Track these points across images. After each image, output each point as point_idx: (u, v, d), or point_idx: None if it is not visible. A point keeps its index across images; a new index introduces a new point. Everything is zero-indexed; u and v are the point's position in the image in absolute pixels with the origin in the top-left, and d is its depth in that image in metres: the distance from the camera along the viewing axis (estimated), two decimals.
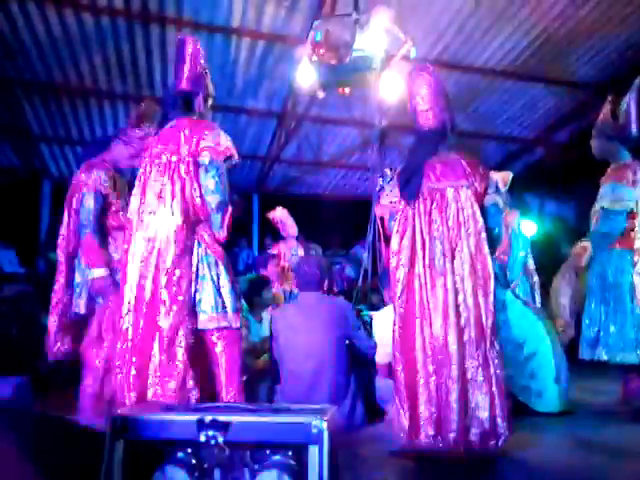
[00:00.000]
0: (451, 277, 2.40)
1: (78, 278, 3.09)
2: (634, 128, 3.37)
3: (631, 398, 3.33)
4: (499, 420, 2.30)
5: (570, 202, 8.83)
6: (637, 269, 3.18)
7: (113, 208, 3.13)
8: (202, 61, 2.68)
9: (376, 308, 4.80)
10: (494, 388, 2.32)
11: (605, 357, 3.30)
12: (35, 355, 3.72)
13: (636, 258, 3.18)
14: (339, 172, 9.26)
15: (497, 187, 4.84)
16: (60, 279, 3.14)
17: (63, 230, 3.18)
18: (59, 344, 3.09)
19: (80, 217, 3.05)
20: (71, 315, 3.07)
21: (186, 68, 2.63)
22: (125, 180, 3.31)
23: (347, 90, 4.68)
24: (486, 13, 5.51)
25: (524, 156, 8.95)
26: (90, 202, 3.03)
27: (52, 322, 3.08)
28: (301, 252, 6.00)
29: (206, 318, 2.42)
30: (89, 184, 3.06)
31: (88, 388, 2.98)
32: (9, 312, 4.71)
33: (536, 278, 5.02)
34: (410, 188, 2.54)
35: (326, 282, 3.30)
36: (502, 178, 5.08)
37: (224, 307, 2.45)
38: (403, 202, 2.58)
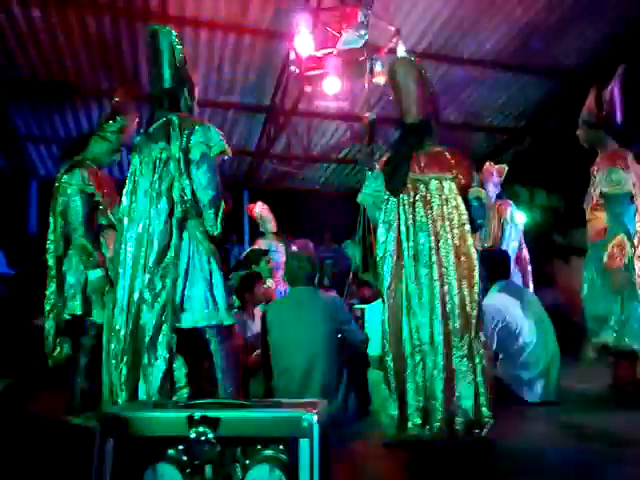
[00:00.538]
0: (437, 268, 2.42)
1: (71, 280, 3.06)
2: (619, 116, 3.38)
3: (621, 385, 3.36)
4: (483, 409, 2.33)
5: (559, 191, 8.87)
6: (638, 252, 3.18)
7: (101, 207, 3.11)
8: (180, 52, 2.62)
9: (367, 301, 4.83)
10: (478, 378, 2.35)
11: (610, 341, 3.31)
12: (28, 357, 3.70)
13: (636, 242, 3.17)
14: (329, 166, 9.25)
15: (487, 182, 4.89)
16: (52, 284, 3.11)
17: (51, 234, 3.15)
18: (59, 349, 3.08)
19: (69, 220, 3.02)
20: (66, 318, 3.05)
21: (166, 64, 2.58)
22: (109, 176, 3.28)
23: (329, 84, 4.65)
24: (473, 4, 5.52)
25: (513, 146, 8.98)
26: (77, 204, 3.00)
27: (49, 327, 3.07)
28: (280, 249, 5.97)
29: (198, 316, 2.42)
30: (73, 185, 3.03)
31: (80, 388, 2.97)
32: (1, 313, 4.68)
33: (529, 267, 5.05)
34: (395, 179, 2.54)
35: (317, 277, 3.30)
36: (498, 170, 5.12)
37: (216, 304, 2.45)
38: (387, 192, 2.59)
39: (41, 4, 4.96)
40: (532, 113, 8.02)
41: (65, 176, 3.07)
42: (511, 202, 5.03)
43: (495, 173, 4.99)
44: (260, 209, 6.08)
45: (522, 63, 6.70)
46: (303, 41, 4.47)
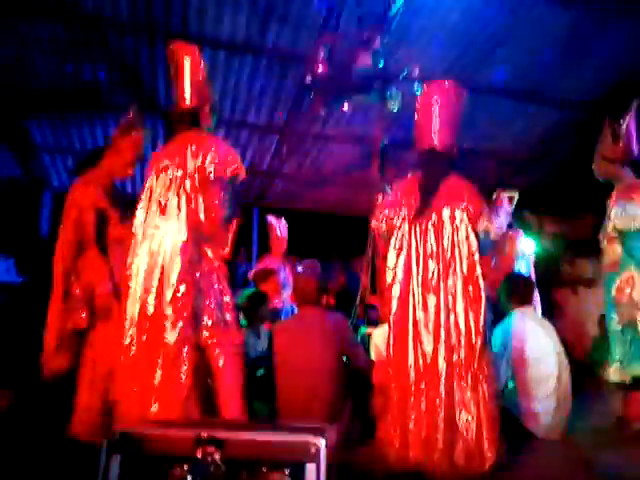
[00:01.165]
0: (444, 296, 2.42)
1: (78, 292, 3.07)
2: (636, 149, 3.39)
3: (631, 420, 3.30)
4: (486, 442, 2.30)
5: (568, 220, 8.86)
6: None
7: (112, 221, 3.14)
8: (202, 71, 2.66)
9: (374, 324, 4.80)
10: (482, 409, 2.32)
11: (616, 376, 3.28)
12: (30, 368, 3.70)
13: None
14: (339, 188, 9.29)
15: (498, 210, 4.90)
16: (57, 295, 3.13)
17: (60, 245, 3.18)
18: (57, 360, 3.07)
19: (81, 234, 3.05)
20: (69, 330, 3.05)
21: (187, 81, 2.63)
22: (120, 191, 3.32)
23: (346, 107, 4.71)
24: (491, 33, 5.58)
25: (523, 174, 8.99)
26: (90, 219, 3.03)
27: (49, 338, 3.07)
28: (287, 268, 6.06)
29: (208, 334, 2.42)
30: (87, 200, 3.06)
31: (83, 403, 2.96)
32: (3, 322, 4.69)
33: (538, 297, 5.02)
34: (425, 205, 2.55)
35: (324, 298, 3.30)
36: (509, 197, 5.12)
37: (226, 323, 2.45)
38: (399, 219, 2.60)
39: (64, 18, 5.08)
40: (543, 142, 8.04)
41: (79, 190, 3.11)
42: (521, 231, 5.02)
43: (506, 201, 4.99)
44: (283, 226, 6.23)
45: (534, 92, 6.75)
46: (319, 66, 4.53)
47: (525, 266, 4.89)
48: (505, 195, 5.03)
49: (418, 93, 4.41)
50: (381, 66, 4.23)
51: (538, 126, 7.54)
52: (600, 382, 4.61)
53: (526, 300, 3.47)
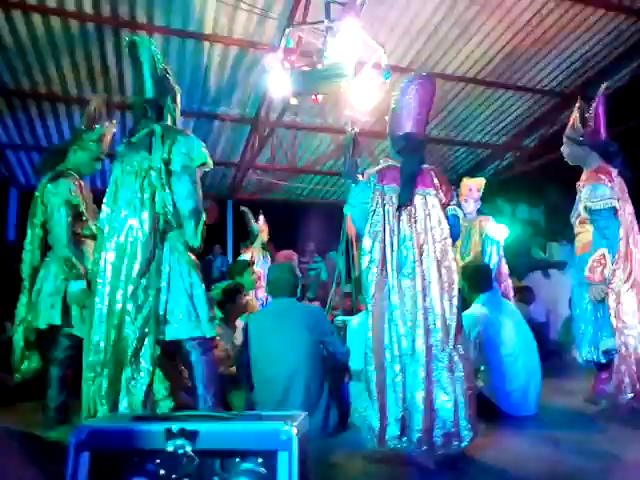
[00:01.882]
0: (419, 280, 2.44)
1: (49, 289, 3.00)
2: (603, 133, 3.45)
3: (599, 398, 3.40)
4: (463, 421, 2.34)
5: (539, 206, 9.03)
6: (615, 267, 3.21)
7: (83, 217, 3.08)
8: (161, 63, 2.62)
9: (350, 313, 4.83)
10: (458, 389, 2.36)
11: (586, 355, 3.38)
12: (2, 368, 3.62)
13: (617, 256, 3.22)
14: (313, 178, 9.29)
15: (465, 197, 4.96)
16: (23, 296, 3.05)
17: (27, 244, 3.09)
18: (27, 362, 3.02)
19: (53, 230, 2.97)
20: (39, 328, 2.99)
21: (147, 74, 2.59)
22: (89, 186, 3.25)
23: (319, 97, 4.69)
24: (455, 22, 5.63)
25: (494, 162, 9.13)
26: (62, 214, 2.96)
27: (18, 339, 3.00)
28: (266, 259, 6.12)
29: (179, 328, 2.40)
30: (57, 195, 2.99)
31: (52, 401, 2.92)
32: None
33: (510, 281, 5.10)
34: (405, 193, 2.57)
35: (299, 288, 3.29)
36: (476, 184, 5.17)
37: (197, 316, 2.43)
38: (374, 204, 2.61)
39: (23, 11, 4.93)
40: (513, 129, 8.17)
41: (49, 185, 3.02)
42: (491, 217, 5.07)
43: (473, 188, 5.03)
44: (263, 221, 6.31)
45: (504, 80, 6.85)
46: (276, 82, 4.50)
47: (496, 251, 4.95)
48: (472, 182, 5.07)
49: (387, 79, 4.45)
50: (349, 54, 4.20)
51: (509, 113, 7.67)
52: (571, 361, 4.75)
53: (485, 287, 3.56)
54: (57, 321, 2.94)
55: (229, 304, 4.15)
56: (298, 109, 6.03)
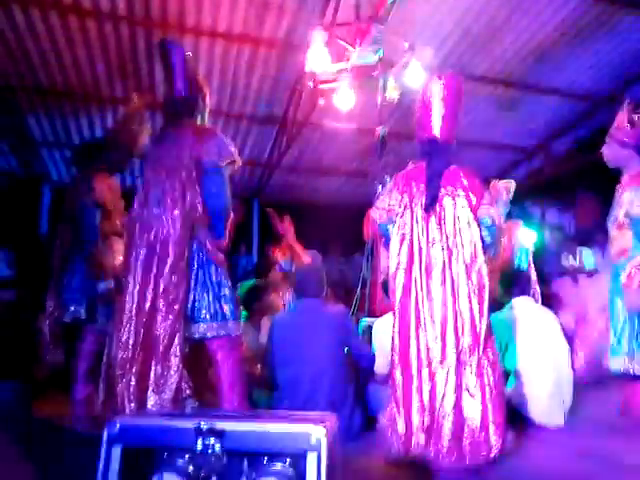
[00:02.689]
0: (450, 284, 2.40)
1: (77, 284, 3.06)
2: None
3: (632, 410, 3.29)
4: (492, 430, 2.28)
5: (569, 211, 8.84)
6: None
7: (112, 215, 3.12)
8: (190, 64, 2.67)
9: (376, 316, 4.79)
10: (487, 396, 2.31)
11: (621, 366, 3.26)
12: (32, 360, 3.70)
13: None
14: (339, 179, 9.26)
15: (495, 200, 4.86)
16: (53, 288, 3.12)
17: (60, 238, 3.16)
18: (53, 355, 3.08)
19: (84, 229, 3.04)
20: (65, 323, 3.05)
21: (178, 75, 2.62)
22: (119, 185, 3.30)
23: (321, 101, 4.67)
24: (486, 23, 5.55)
25: (524, 165, 8.96)
26: (91, 213, 3.02)
27: (45, 333, 3.07)
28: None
29: (206, 326, 2.41)
30: (89, 194, 3.05)
31: (79, 395, 2.97)
32: (5, 316, 4.69)
33: (537, 288, 5.00)
34: (431, 194, 2.54)
35: (325, 289, 3.29)
36: (505, 187, 5.07)
37: (224, 315, 2.44)
38: (402, 207, 2.58)
39: (60, 13, 5.04)
40: (544, 133, 8.01)
41: (81, 184, 3.09)
42: (521, 222, 4.98)
43: (503, 191, 4.95)
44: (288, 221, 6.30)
45: (534, 82, 6.72)
46: (317, 56, 4.49)
47: (524, 257, 4.86)
48: (502, 185, 4.98)
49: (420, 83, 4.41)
50: (380, 55, 4.18)
51: (539, 116, 7.52)
52: (603, 371, 4.61)
53: (521, 292, 3.49)
54: (83, 316, 3.00)
55: (254, 303, 4.16)
56: (325, 109, 6.01)
